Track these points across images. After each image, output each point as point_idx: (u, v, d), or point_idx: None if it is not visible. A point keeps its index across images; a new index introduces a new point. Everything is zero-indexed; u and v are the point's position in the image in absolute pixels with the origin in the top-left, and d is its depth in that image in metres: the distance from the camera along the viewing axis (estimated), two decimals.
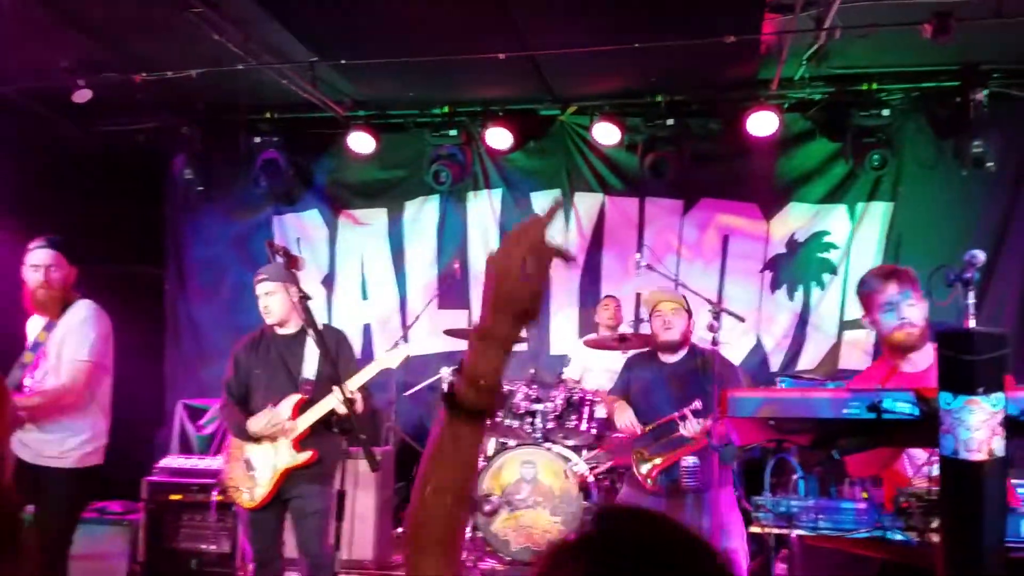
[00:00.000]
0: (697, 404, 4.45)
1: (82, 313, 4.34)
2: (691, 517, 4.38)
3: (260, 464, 4.30)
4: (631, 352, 5.24)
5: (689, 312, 4.73)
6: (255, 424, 4.27)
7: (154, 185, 7.96)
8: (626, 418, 4.69)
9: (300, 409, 4.27)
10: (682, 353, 4.69)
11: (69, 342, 4.27)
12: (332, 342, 4.41)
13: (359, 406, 4.15)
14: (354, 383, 4.20)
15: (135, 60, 6.00)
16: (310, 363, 4.34)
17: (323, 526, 4.22)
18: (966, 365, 2.18)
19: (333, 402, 4.10)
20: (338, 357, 4.37)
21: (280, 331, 4.47)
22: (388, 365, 4.42)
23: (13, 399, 3.62)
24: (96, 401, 4.38)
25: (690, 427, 4.41)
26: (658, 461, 4.42)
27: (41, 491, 4.18)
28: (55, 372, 4.27)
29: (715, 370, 4.36)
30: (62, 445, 4.26)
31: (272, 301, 4.38)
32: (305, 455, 4.25)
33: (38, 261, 4.30)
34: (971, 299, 2.29)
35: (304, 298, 4.06)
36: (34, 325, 4.42)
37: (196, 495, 5.96)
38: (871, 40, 5.75)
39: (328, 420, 4.20)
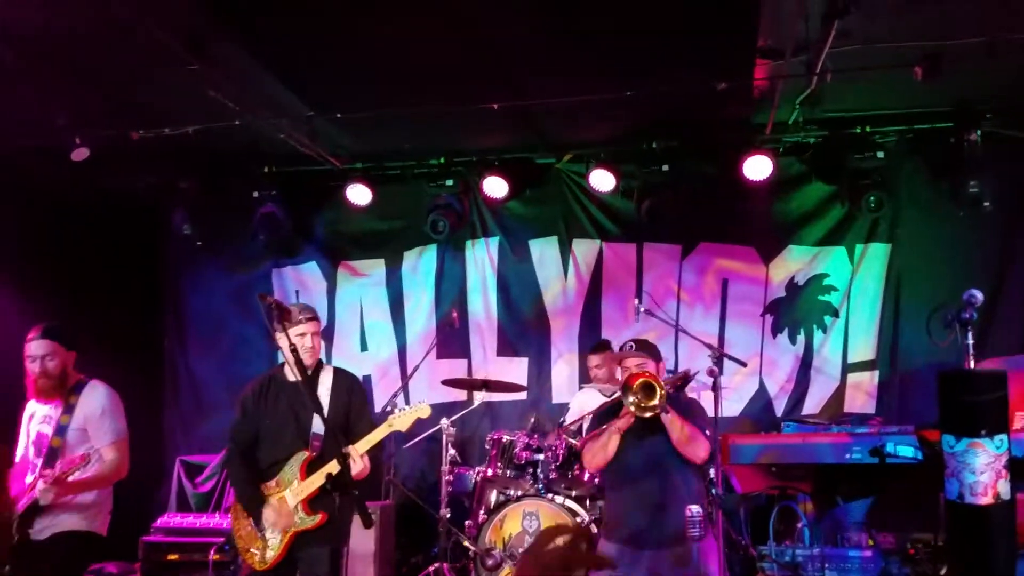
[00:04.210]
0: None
1: (103, 397, 4.46)
2: (695, 568, 4.27)
3: (270, 525, 4.17)
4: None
5: (656, 360, 4.62)
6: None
7: (153, 239, 7.99)
8: None
9: (308, 467, 4.16)
10: None
11: (102, 425, 4.39)
12: (344, 387, 4.38)
13: (366, 468, 4.12)
14: (362, 446, 4.14)
15: (132, 116, 6.04)
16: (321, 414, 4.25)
17: None
18: (968, 407, 2.15)
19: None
20: (351, 402, 4.35)
21: (291, 379, 4.30)
22: (399, 428, 4.34)
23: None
24: None
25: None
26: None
27: (50, 556, 4.23)
28: (80, 450, 4.32)
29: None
30: (88, 510, 4.36)
31: (318, 340, 4.39)
32: (315, 518, 4.13)
33: (34, 352, 4.37)
34: (970, 339, 2.25)
35: (295, 351, 4.03)
36: (35, 407, 4.47)
37: (193, 554, 5.88)
38: (863, 83, 5.79)
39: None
